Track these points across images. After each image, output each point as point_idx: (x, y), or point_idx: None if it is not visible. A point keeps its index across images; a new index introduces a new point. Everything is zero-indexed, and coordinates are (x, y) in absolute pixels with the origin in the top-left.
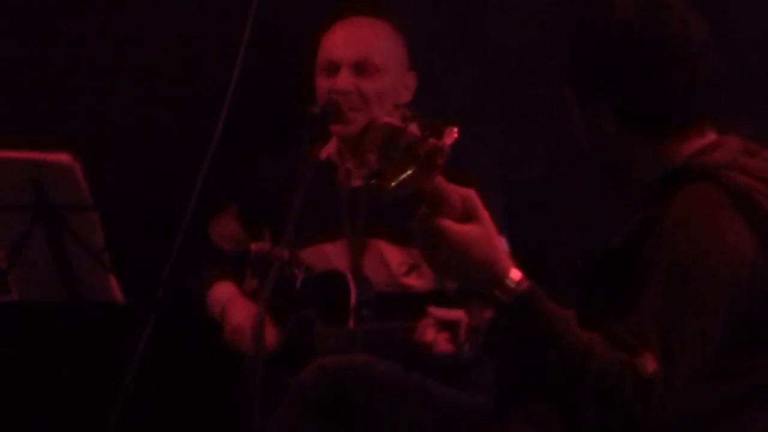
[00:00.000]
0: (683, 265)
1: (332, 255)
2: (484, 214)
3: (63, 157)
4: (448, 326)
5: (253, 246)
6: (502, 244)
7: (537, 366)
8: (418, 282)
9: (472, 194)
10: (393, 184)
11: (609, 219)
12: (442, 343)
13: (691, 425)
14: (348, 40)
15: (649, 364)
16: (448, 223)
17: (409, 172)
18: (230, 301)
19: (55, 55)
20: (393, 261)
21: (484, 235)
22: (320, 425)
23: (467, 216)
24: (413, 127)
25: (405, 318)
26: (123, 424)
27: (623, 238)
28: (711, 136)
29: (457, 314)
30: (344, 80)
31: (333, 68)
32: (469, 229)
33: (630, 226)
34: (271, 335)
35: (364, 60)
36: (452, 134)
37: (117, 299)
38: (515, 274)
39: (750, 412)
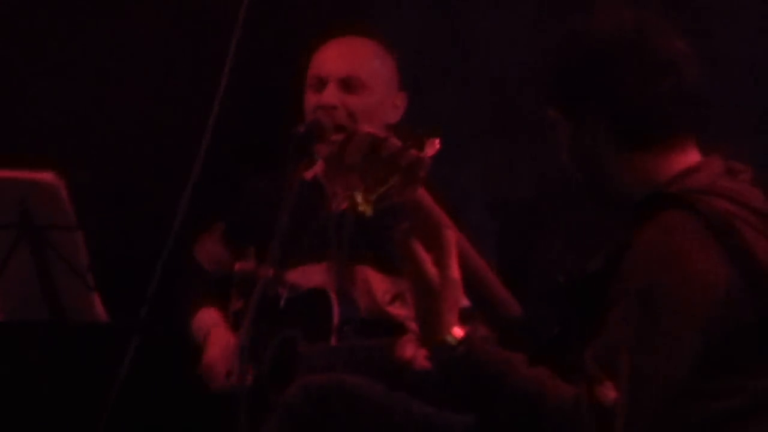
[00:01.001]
0: (651, 292)
1: (317, 277)
2: (450, 261)
3: (47, 176)
4: None
5: (238, 265)
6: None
7: (491, 413)
8: (401, 311)
9: (446, 237)
10: (374, 194)
11: (594, 237)
12: (422, 359)
13: None
14: (337, 56)
15: (609, 392)
16: (420, 253)
17: (390, 182)
18: (210, 333)
19: (39, 74)
20: (377, 289)
21: (440, 287)
22: None
23: (435, 256)
24: (395, 139)
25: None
26: None
27: (601, 261)
28: (694, 157)
29: None
30: (331, 95)
31: (321, 84)
32: (430, 273)
33: (608, 249)
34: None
35: (352, 76)
36: (434, 146)
37: (101, 318)
38: (457, 332)
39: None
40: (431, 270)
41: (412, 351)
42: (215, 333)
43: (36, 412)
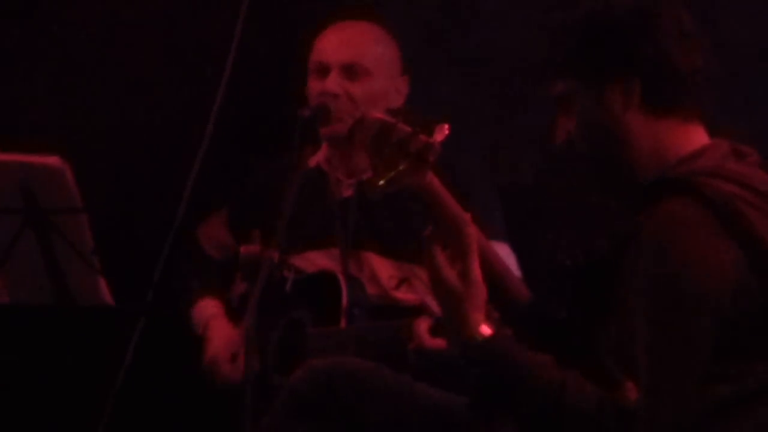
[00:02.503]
0: (661, 283)
1: (320, 263)
2: (473, 263)
3: (52, 160)
4: (442, 324)
5: (243, 248)
6: (504, 251)
7: (513, 412)
8: (407, 295)
9: (468, 236)
10: (383, 179)
11: (600, 221)
12: (435, 341)
13: None
14: (339, 42)
15: (630, 393)
16: (442, 260)
17: (400, 167)
18: (209, 326)
19: (44, 57)
20: (383, 274)
21: (463, 289)
22: (310, 427)
23: (456, 249)
24: (404, 124)
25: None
26: (113, 428)
27: (608, 246)
28: (703, 138)
29: None
30: (333, 83)
31: (323, 70)
32: (451, 279)
33: (614, 234)
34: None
35: (354, 63)
36: (443, 131)
37: (107, 302)
38: (485, 329)
39: (737, 417)
40: (451, 275)
41: (426, 333)
42: (214, 325)
43: (41, 396)
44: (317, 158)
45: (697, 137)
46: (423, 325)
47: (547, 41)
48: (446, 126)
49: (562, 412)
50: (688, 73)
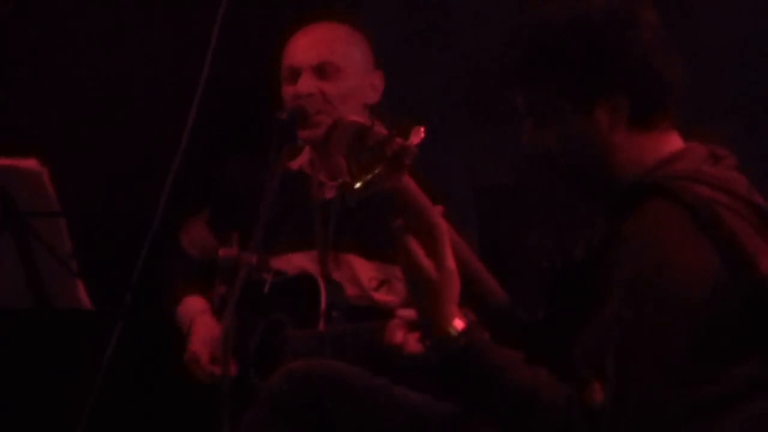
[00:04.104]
0: (636, 288)
1: (301, 265)
2: (446, 252)
3: (30, 163)
4: (417, 326)
5: (221, 252)
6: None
7: (483, 407)
8: (388, 297)
9: (439, 227)
10: (360, 182)
11: (578, 222)
12: (411, 343)
13: None
14: (307, 44)
15: (597, 394)
16: (415, 247)
17: (376, 171)
18: (194, 322)
19: (21, 61)
20: (363, 275)
21: (438, 279)
22: (289, 429)
23: (431, 247)
24: (380, 127)
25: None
26: (91, 430)
27: (585, 250)
28: (678, 143)
29: None
30: (306, 84)
31: (295, 74)
32: (427, 267)
33: (592, 237)
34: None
35: (324, 62)
36: (419, 134)
37: (85, 305)
38: (458, 323)
39: (717, 419)
40: (427, 264)
41: (401, 335)
42: (199, 321)
43: (19, 399)
44: (300, 161)
45: (673, 141)
46: (398, 331)
47: (524, 51)
48: (422, 129)
49: (533, 409)
50: (671, 84)
